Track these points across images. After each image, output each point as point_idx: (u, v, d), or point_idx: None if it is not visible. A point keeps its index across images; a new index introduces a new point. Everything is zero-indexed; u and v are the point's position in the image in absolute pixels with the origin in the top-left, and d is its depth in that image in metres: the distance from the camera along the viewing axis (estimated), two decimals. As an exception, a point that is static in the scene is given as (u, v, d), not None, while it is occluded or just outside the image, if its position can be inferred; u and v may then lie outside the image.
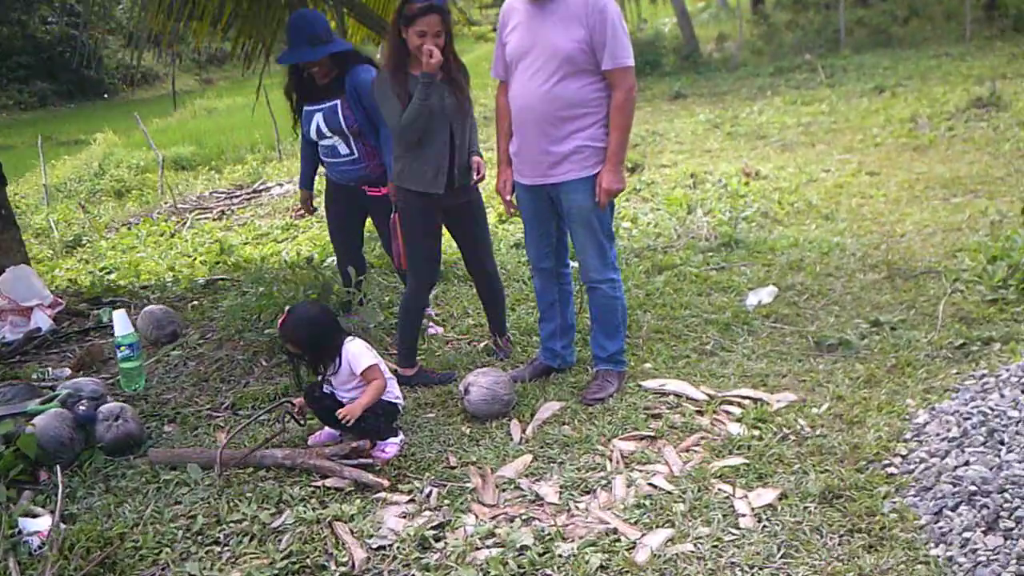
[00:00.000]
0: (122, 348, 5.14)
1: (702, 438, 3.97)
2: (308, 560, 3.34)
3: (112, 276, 8.61)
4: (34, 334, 6.37)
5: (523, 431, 4.18)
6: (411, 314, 4.79)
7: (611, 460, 3.84)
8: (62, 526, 3.73)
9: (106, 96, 35.05)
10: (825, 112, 14.22)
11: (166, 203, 13.07)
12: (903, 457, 3.67)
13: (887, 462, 3.66)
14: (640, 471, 3.74)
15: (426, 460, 4.00)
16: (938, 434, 3.71)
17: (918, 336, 4.96)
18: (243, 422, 4.44)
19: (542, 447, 4.01)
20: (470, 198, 4.71)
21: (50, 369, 5.58)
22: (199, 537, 3.58)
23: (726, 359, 4.84)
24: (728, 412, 4.19)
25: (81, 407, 4.41)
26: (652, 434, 4.03)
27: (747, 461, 3.71)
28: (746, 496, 3.48)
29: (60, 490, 3.96)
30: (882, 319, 5.20)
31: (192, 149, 18.09)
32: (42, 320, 6.50)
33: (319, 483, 3.87)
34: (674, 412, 4.23)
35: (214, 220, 11.64)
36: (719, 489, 3.55)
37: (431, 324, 5.70)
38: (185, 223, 11.41)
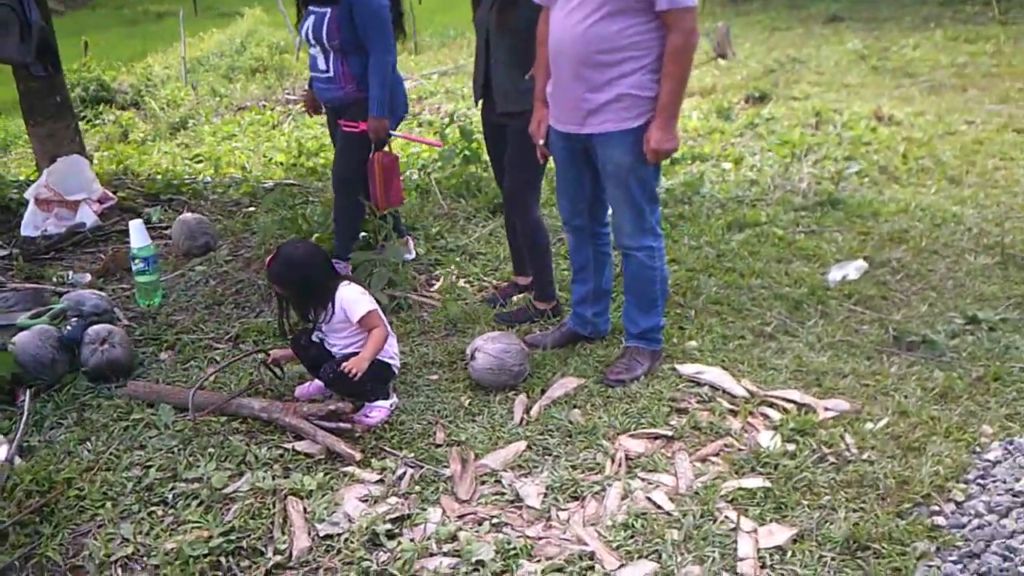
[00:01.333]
0: (137, 261, 4.90)
1: (725, 447, 3.46)
2: (246, 541, 3.03)
3: (200, 165, 8.44)
4: (77, 229, 6.22)
5: (527, 410, 3.75)
6: (541, 239, 4.51)
7: (613, 461, 3.38)
8: (16, 460, 3.50)
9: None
10: (987, 53, 12.95)
11: (285, 90, 12.79)
12: (958, 505, 3.11)
13: (936, 508, 3.10)
14: (642, 480, 3.28)
15: (412, 432, 3.62)
16: (1006, 481, 3.13)
17: (1019, 343, 4.28)
18: (230, 360, 4.12)
19: (541, 434, 3.58)
20: (511, 123, 4.23)
21: (71, 273, 5.39)
22: (147, 494, 3.30)
23: (784, 346, 4.28)
24: (765, 417, 3.67)
25: (68, 326, 4.17)
26: (669, 433, 3.54)
27: (769, 485, 3.20)
28: (755, 532, 2.99)
29: (23, 419, 3.74)
30: (981, 316, 4.53)
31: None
32: (87, 215, 6.33)
33: (289, 445, 3.53)
34: (703, 408, 3.72)
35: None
36: (726, 517, 3.06)
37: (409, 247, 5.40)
38: (290, 115, 11.18)
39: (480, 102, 4.42)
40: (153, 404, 3.89)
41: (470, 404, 3.81)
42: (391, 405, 3.77)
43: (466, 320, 4.58)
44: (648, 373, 3.96)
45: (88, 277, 5.34)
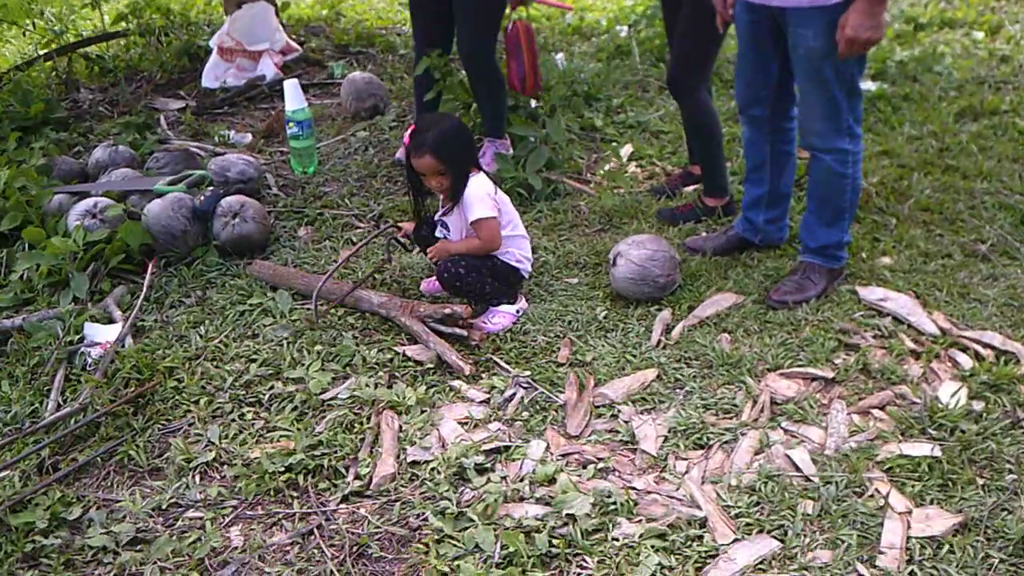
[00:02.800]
0: (291, 125, 4.72)
1: (896, 399, 2.93)
2: (329, 459, 2.81)
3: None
4: (256, 83, 6.13)
5: (667, 330, 3.33)
6: (710, 127, 4.02)
7: (754, 404, 2.93)
8: (127, 341, 3.44)
9: None
10: None
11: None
12: None
13: None
14: (784, 431, 2.82)
15: (534, 346, 3.29)
16: None
17: None
18: (360, 244, 3.89)
19: (678, 361, 3.16)
20: None
21: (233, 132, 5.29)
22: (245, 392, 3.16)
23: (999, 272, 3.61)
24: (954, 363, 3.09)
25: (203, 195, 4.04)
26: (830, 375, 3.03)
27: (939, 454, 2.67)
28: (908, 515, 2.49)
29: (141, 297, 3.66)
30: None
31: None
32: (268, 68, 6.24)
33: (401, 349, 3.28)
34: (879, 346, 3.18)
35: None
36: (876, 491, 2.57)
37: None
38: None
39: None
40: (276, 287, 3.73)
41: (606, 317, 3.42)
42: (517, 311, 3.44)
43: (624, 213, 4.14)
44: (822, 296, 3.43)
45: (249, 137, 5.23)
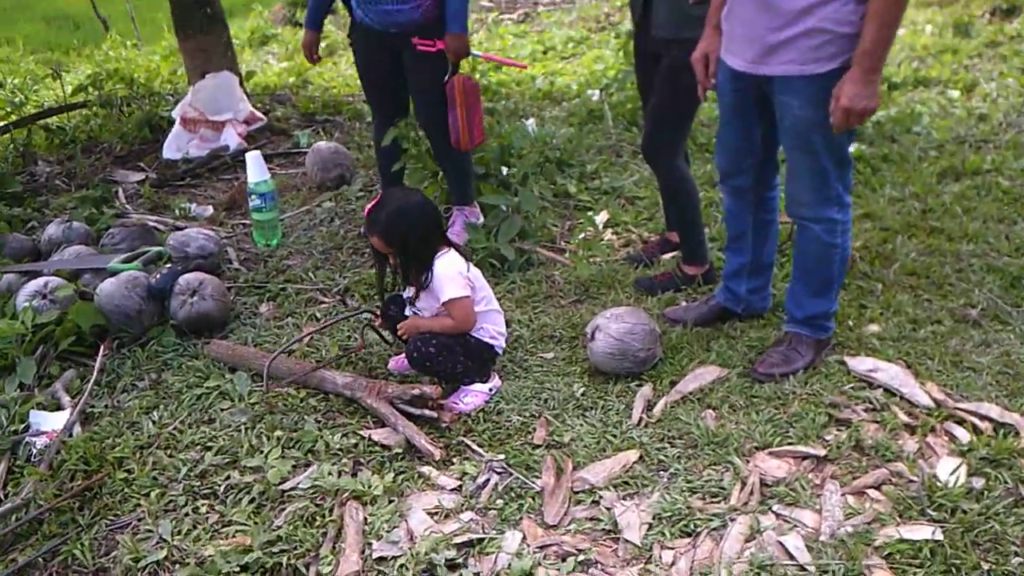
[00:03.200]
0: (253, 197, 4.58)
1: (892, 477, 2.78)
2: (288, 557, 2.62)
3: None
4: (219, 153, 6.01)
5: (648, 407, 3.18)
6: (687, 194, 3.88)
7: (743, 486, 2.77)
8: (76, 430, 3.25)
9: None
10: None
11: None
12: None
13: None
14: (776, 516, 2.66)
15: (508, 426, 3.13)
16: None
17: None
18: (326, 323, 3.74)
19: (661, 440, 3.00)
20: (668, 53, 3.57)
21: (194, 205, 5.14)
22: (199, 483, 2.97)
23: (991, 338, 3.49)
24: (950, 437, 2.95)
25: (159, 273, 3.88)
26: (822, 452, 2.88)
27: (940, 537, 2.51)
28: (912, 607, 2.33)
29: (91, 382, 3.49)
30: None
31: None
32: (231, 138, 6.12)
33: (367, 433, 3.11)
34: (871, 420, 3.03)
35: (516, 22, 10.82)
36: (877, 581, 2.41)
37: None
38: (484, 23, 10.71)
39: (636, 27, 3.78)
40: (234, 368, 3.57)
41: (583, 394, 3.27)
42: (490, 390, 3.29)
43: (601, 283, 4.01)
44: (809, 367, 3.29)
45: (210, 210, 5.09)
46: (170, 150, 6.07)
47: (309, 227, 4.84)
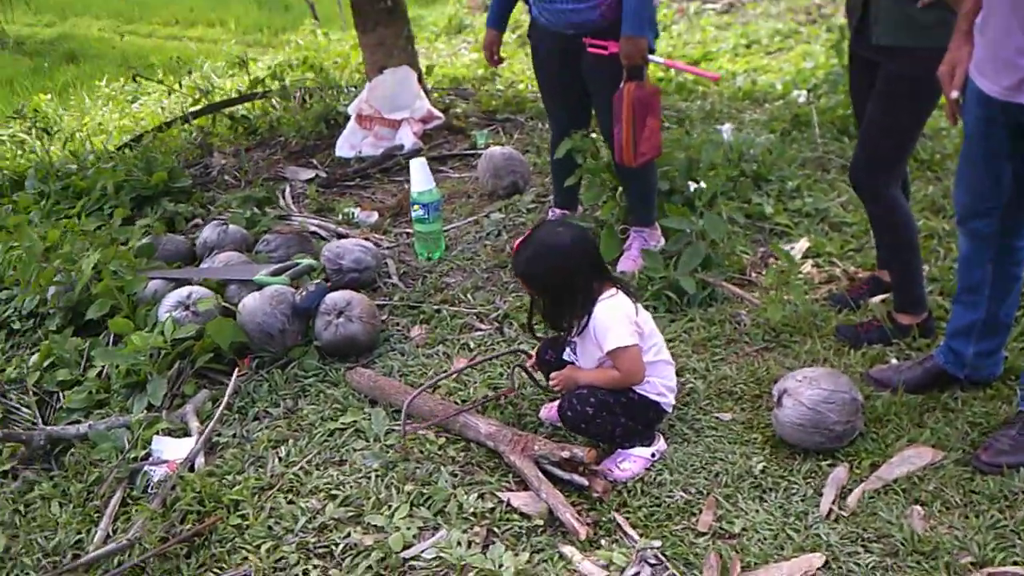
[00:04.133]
0: (416, 207, 4.29)
1: None
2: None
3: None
4: (393, 152, 5.79)
5: (841, 494, 2.68)
6: (903, 229, 3.34)
7: (958, 616, 2.25)
8: (198, 461, 3.04)
9: None
10: None
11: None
12: None
13: None
14: (998, 663, 2.14)
15: (671, 504, 2.70)
16: None
17: None
18: (478, 359, 3.41)
19: (853, 542, 2.50)
20: (888, 63, 3.07)
21: (358, 211, 4.91)
22: (316, 538, 2.69)
23: None
24: None
25: (305, 290, 3.63)
26: (1063, 578, 2.33)
27: None
28: None
29: (221, 406, 3.27)
30: None
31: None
32: (406, 137, 5.90)
33: (507, 495, 2.75)
34: None
35: (719, 12, 10.24)
36: None
37: None
38: (684, 13, 10.22)
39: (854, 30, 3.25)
40: (375, 402, 3.28)
41: (763, 471, 2.79)
42: (652, 455, 2.87)
43: (795, 329, 3.50)
44: (1049, 458, 2.72)
45: (375, 217, 4.85)
46: (343, 148, 5.89)
47: (475, 240, 4.52)
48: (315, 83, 7.21)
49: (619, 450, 2.87)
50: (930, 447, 2.81)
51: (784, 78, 7.13)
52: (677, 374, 3.00)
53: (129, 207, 4.95)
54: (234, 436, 3.20)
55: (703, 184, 4.17)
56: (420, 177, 4.28)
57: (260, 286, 3.72)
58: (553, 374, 2.91)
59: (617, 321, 2.74)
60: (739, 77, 7.32)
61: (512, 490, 2.79)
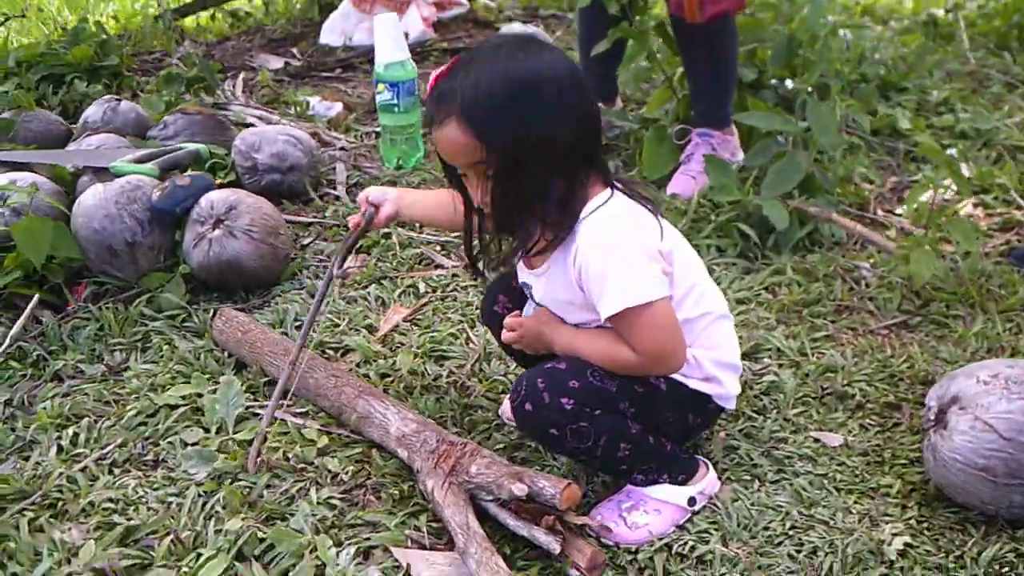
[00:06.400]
0: (381, 88, 3.05)
1: None
2: None
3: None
4: (393, 39, 4.54)
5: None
6: None
7: None
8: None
9: None
10: None
11: None
12: None
13: None
14: None
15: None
16: None
17: None
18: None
19: None
20: None
21: (317, 100, 3.67)
22: None
23: None
24: None
25: (169, 185, 2.40)
26: None
27: None
28: None
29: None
30: None
31: None
32: (414, 23, 4.69)
33: (409, 554, 1.50)
34: None
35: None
36: None
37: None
38: None
39: None
40: (247, 365, 2.04)
41: (904, 553, 1.48)
42: (691, 500, 1.57)
43: (952, 295, 2.19)
44: None
45: (338, 108, 3.60)
46: (331, 33, 4.72)
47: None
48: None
49: (628, 487, 1.58)
50: None
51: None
52: (750, 357, 1.71)
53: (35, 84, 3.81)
54: (5, 404, 1.98)
55: (804, 76, 2.82)
56: (388, 42, 3.05)
57: (118, 175, 2.49)
58: (507, 319, 1.63)
59: (624, 255, 1.44)
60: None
61: (422, 544, 1.53)
